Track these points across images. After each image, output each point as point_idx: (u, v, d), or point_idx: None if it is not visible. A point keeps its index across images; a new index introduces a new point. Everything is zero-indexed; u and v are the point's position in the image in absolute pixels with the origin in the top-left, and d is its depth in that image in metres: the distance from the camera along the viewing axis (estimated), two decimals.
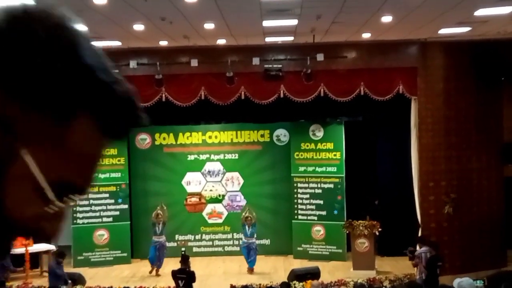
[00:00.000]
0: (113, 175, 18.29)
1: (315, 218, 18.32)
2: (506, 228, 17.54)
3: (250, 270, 17.16)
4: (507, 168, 17.55)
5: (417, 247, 15.80)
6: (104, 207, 18.29)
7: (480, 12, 12.54)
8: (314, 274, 15.45)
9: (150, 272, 17.20)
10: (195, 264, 15.94)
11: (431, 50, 17.28)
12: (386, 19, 13.14)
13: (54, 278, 14.69)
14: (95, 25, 13.19)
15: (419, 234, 17.18)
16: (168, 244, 17.76)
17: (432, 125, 17.30)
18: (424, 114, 17.25)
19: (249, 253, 17.22)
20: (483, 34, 15.73)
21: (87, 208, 18.12)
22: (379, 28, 14.49)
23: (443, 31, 15.21)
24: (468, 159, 17.41)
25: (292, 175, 18.53)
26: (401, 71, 17.09)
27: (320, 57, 16.85)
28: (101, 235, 18.19)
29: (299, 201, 18.49)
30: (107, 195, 18.26)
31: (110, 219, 18.32)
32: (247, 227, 17.25)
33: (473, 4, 11.79)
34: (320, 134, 18.31)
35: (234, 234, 18.88)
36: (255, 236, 17.38)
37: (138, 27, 13.33)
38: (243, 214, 17.63)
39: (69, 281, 14.78)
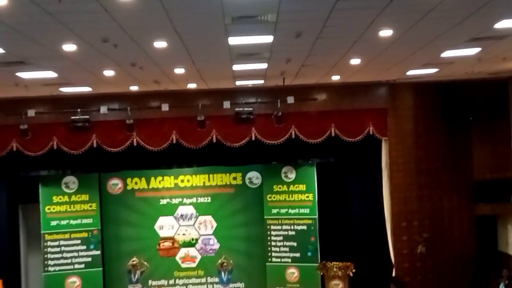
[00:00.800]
0: (84, 221, 18.13)
1: (289, 260, 18.26)
2: (478, 267, 17.59)
3: None
4: (478, 206, 17.67)
5: None
6: (76, 254, 18.08)
7: (447, 54, 12.73)
8: None
9: None
10: None
11: (400, 91, 17.48)
12: (355, 61, 13.28)
13: None
14: (65, 71, 13.18)
15: (393, 274, 17.19)
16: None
17: (403, 165, 17.42)
18: (394, 155, 17.37)
19: None
20: (451, 75, 15.95)
21: (58, 255, 17.91)
22: (348, 70, 14.64)
23: (411, 72, 15.40)
24: (440, 199, 17.51)
25: (265, 217, 18.51)
26: (371, 112, 17.23)
27: (290, 99, 16.96)
28: (73, 282, 17.96)
29: (273, 243, 18.43)
30: (78, 241, 18.07)
31: (82, 265, 18.09)
32: (223, 274, 17.11)
33: (439, 46, 11.96)
34: (292, 176, 18.35)
35: (208, 278, 18.73)
36: (230, 282, 17.25)
37: (108, 72, 13.33)
38: (219, 260, 17.49)
39: None
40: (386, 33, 10.37)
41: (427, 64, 14.20)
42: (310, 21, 9.50)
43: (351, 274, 16.79)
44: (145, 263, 17.47)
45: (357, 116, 17.18)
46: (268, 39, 10.59)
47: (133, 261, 17.13)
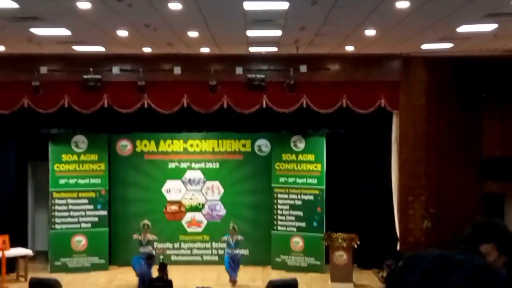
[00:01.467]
0: (92, 181, 18.21)
1: (294, 229, 18.31)
2: None
3: (234, 282, 16.97)
4: (486, 184, 17.64)
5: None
6: (83, 213, 18.18)
7: (463, 29, 12.63)
8: (292, 285, 15.39)
9: None
10: (173, 273, 15.90)
11: (414, 65, 17.38)
12: (370, 32, 13.19)
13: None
14: (79, 30, 13.15)
15: (398, 248, 17.24)
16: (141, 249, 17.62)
17: (413, 139, 17.39)
18: (405, 129, 17.33)
19: (232, 264, 16.97)
20: (466, 50, 15.83)
21: (66, 214, 18.01)
22: (363, 42, 14.55)
23: (426, 46, 15.29)
24: (448, 175, 17.49)
25: (272, 185, 18.52)
26: (384, 85, 17.17)
27: (303, 68, 16.91)
28: (79, 241, 18.07)
29: (279, 212, 18.47)
30: (86, 200, 18.16)
31: (89, 225, 18.20)
32: (231, 238, 17.09)
33: (456, 21, 11.86)
34: (301, 145, 18.32)
35: (213, 243, 18.83)
36: (238, 247, 17.25)
37: (122, 33, 13.30)
38: (231, 224, 17.47)
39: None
40: (403, 4, 10.29)
41: (442, 39, 14.10)
42: None
43: (356, 246, 16.81)
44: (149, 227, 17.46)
45: (369, 88, 17.13)
46: (284, 5, 10.53)
47: (144, 224, 17.10)
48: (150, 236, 17.03)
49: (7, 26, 12.30)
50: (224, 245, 17.66)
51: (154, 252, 16.93)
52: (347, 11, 11.04)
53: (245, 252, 18.46)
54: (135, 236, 16.99)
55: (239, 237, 17.13)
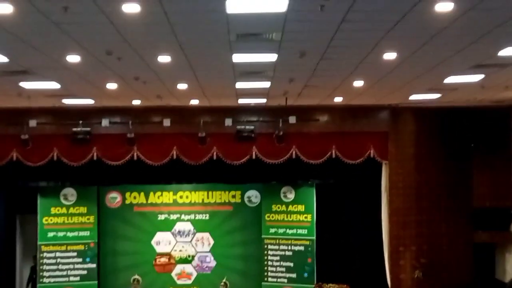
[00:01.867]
0: (81, 233, 18.06)
1: (285, 280, 18.17)
2: None
3: None
4: (477, 234, 17.60)
5: None
6: (72, 266, 17.98)
7: (450, 79, 12.77)
8: None
9: None
10: None
11: (402, 115, 17.45)
12: (358, 83, 13.32)
13: None
14: (68, 83, 13.22)
15: None
16: None
17: (403, 189, 17.35)
18: (395, 179, 17.31)
19: None
20: (453, 101, 15.97)
21: (54, 267, 17.81)
22: (351, 93, 14.67)
23: (414, 97, 15.44)
24: (438, 224, 17.44)
25: (263, 236, 18.43)
26: (372, 135, 17.20)
27: (292, 119, 16.94)
28: None
29: (270, 263, 18.34)
30: (75, 253, 17.98)
31: (77, 278, 17.98)
32: None
33: (443, 72, 11.99)
34: (291, 196, 18.29)
35: None
36: None
37: (112, 85, 13.38)
38: (223, 281, 17.37)
39: None
40: (390, 56, 10.41)
41: (430, 89, 14.25)
42: (314, 41, 9.54)
43: None
44: (140, 280, 17.38)
45: (358, 139, 17.14)
46: (272, 57, 10.63)
47: (135, 279, 17.03)
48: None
49: None
50: None
51: None
52: (335, 63, 11.16)
53: None
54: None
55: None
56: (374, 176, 17.39)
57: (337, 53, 10.29)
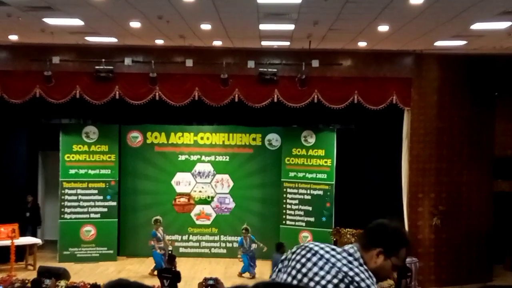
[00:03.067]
0: (103, 171, 18.26)
1: (303, 224, 18.31)
2: (493, 243, 17.57)
3: (253, 276, 17.03)
4: (496, 183, 17.59)
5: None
6: (93, 203, 18.24)
7: (477, 26, 12.56)
8: None
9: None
10: (181, 265, 15.92)
11: (426, 62, 17.31)
12: (383, 28, 13.13)
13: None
14: (93, 20, 13.17)
15: None
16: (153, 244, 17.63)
17: (424, 136, 17.32)
18: (416, 126, 17.27)
19: (251, 260, 17.08)
20: (479, 48, 15.76)
21: (75, 204, 18.07)
22: (375, 37, 14.50)
23: (439, 43, 15.22)
24: (459, 172, 17.43)
25: (282, 180, 18.53)
26: (396, 81, 17.11)
27: (315, 63, 16.86)
28: (88, 231, 18.14)
29: (288, 206, 18.48)
30: (96, 191, 18.21)
31: (98, 215, 18.26)
32: (243, 239, 17.19)
33: (470, 18, 11.80)
34: (312, 140, 18.31)
35: (221, 236, 18.87)
36: (254, 242, 17.25)
37: (135, 24, 13.30)
38: (245, 225, 17.53)
39: None
40: (417, 0, 10.24)
41: (456, 36, 14.03)
42: None
43: None
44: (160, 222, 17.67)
45: (381, 85, 17.07)
46: None
47: (157, 219, 17.29)
48: (162, 231, 17.18)
49: (20, 15, 12.33)
50: (234, 238, 17.74)
51: (171, 250, 16.92)
52: (361, 6, 11.00)
53: (254, 246, 18.44)
54: (152, 243, 17.12)
55: (253, 246, 17.16)
56: (395, 122, 17.35)
57: None
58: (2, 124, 17.48)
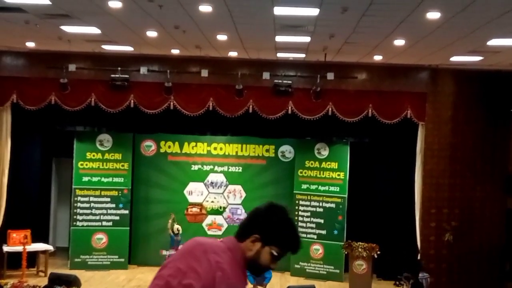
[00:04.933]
0: (116, 179, 18.28)
1: (315, 236, 18.26)
2: (505, 259, 17.47)
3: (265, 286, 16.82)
4: (510, 199, 17.50)
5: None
6: (105, 211, 18.26)
7: (493, 42, 12.54)
8: None
9: None
10: None
11: (442, 76, 17.29)
12: (399, 42, 13.13)
13: None
14: (109, 29, 13.24)
15: (418, 259, 17.13)
16: (166, 253, 17.62)
17: (438, 151, 17.28)
18: (430, 140, 17.23)
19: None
20: (495, 64, 15.72)
21: (88, 211, 18.10)
22: (391, 51, 14.50)
23: (455, 58, 15.20)
24: (472, 188, 17.37)
25: (294, 192, 18.50)
26: (410, 95, 17.10)
27: (330, 76, 16.87)
28: (100, 239, 18.16)
29: (300, 218, 18.43)
30: (108, 199, 18.24)
31: (110, 223, 18.28)
32: None
33: (486, 34, 11.78)
34: (325, 153, 18.28)
35: None
36: None
37: (151, 33, 13.36)
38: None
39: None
40: (434, 15, 10.24)
41: (472, 51, 14.00)
42: None
43: (376, 256, 16.75)
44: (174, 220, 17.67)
45: (396, 99, 17.06)
46: (314, 12, 10.52)
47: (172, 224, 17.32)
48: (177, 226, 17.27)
49: (38, 23, 12.40)
50: None
51: None
52: (378, 20, 11.00)
53: None
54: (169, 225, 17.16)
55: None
56: (409, 137, 17.32)
57: (380, 10, 10.14)
58: (17, 130, 17.55)
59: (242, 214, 18.89)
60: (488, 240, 17.42)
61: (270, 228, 3.33)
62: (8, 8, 11.10)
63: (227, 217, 18.99)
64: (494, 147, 17.41)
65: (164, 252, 17.44)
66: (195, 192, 18.94)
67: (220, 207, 19.01)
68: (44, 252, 17.36)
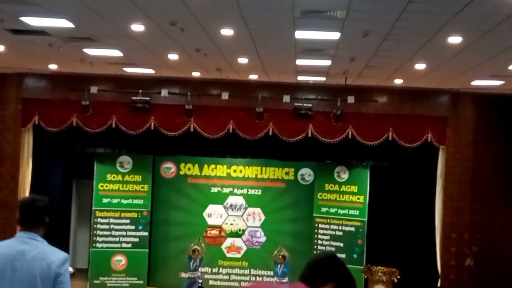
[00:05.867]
0: (135, 201, 18.33)
1: None
2: None
3: None
4: None
5: None
6: (124, 233, 18.29)
7: None
8: None
9: None
10: None
11: (463, 100, 17.25)
12: (420, 66, 13.14)
13: None
14: (131, 52, 13.36)
15: (438, 285, 17.01)
16: (185, 275, 17.55)
17: (458, 175, 17.20)
18: (451, 164, 17.16)
19: None
20: None
21: (107, 233, 18.12)
22: (412, 75, 14.50)
23: (476, 82, 15.18)
24: (493, 213, 17.25)
25: (314, 215, 18.45)
26: (431, 119, 17.05)
27: (350, 99, 16.87)
28: (119, 261, 18.18)
29: (319, 242, 18.37)
30: (128, 221, 18.27)
31: (129, 245, 18.30)
32: (279, 266, 16.65)
33: (507, 58, 11.77)
34: (345, 176, 18.25)
35: (252, 270, 18.79)
36: (286, 275, 16.81)
37: (173, 56, 13.46)
38: (275, 252, 17.28)
39: None
40: (455, 39, 10.25)
41: (493, 76, 13.99)
42: (379, 21, 9.44)
43: (396, 280, 16.64)
44: (203, 244, 17.38)
45: (416, 122, 17.02)
46: (335, 36, 10.56)
47: (194, 247, 17.04)
48: (200, 255, 16.94)
49: (61, 45, 12.53)
50: (264, 272, 17.50)
51: (201, 282, 16.75)
52: (399, 44, 11.02)
53: (284, 280, 18.33)
54: (191, 249, 16.90)
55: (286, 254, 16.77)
56: (429, 160, 17.26)
57: (401, 34, 10.16)
58: (39, 151, 17.67)
59: (261, 237, 18.86)
60: (509, 265, 17.25)
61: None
62: (32, 31, 11.23)
63: (246, 239, 18.95)
64: None
65: (183, 275, 17.38)
66: (214, 214, 18.94)
67: (239, 230, 18.99)
68: None
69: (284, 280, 16.43)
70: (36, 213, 4.57)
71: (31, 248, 4.47)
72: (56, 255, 4.40)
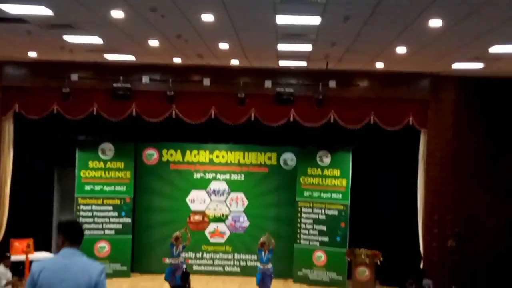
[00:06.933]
0: (118, 188, 18.30)
1: (317, 243, 18.26)
2: (509, 266, 17.43)
3: None
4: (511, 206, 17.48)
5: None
6: (107, 220, 18.27)
7: (495, 49, 12.55)
8: None
9: None
10: (195, 282, 15.88)
11: (444, 84, 17.31)
12: (401, 50, 13.14)
13: None
14: (111, 38, 13.25)
15: (421, 266, 17.14)
16: (168, 261, 17.51)
17: (440, 158, 17.30)
18: (432, 147, 17.25)
19: (264, 280, 16.08)
20: (497, 71, 15.73)
21: (90, 220, 18.09)
22: (393, 59, 14.50)
23: (456, 65, 15.21)
24: (474, 195, 17.36)
25: (297, 199, 18.50)
26: (412, 103, 17.13)
27: (332, 84, 16.91)
28: (102, 247, 18.16)
29: (302, 225, 18.43)
30: (110, 207, 18.25)
31: (112, 232, 18.29)
32: (263, 253, 16.49)
33: (488, 41, 11.80)
34: (327, 160, 18.29)
35: (235, 254, 18.83)
36: (270, 262, 16.50)
37: (153, 43, 13.38)
38: (261, 238, 17.10)
39: None
40: (435, 23, 10.25)
41: (474, 58, 14.01)
42: (359, 5, 9.42)
43: (379, 263, 16.75)
44: (189, 235, 17.22)
45: (397, 106, 17.10)
46: (316, 20, 10.54)
47: (177, 234, 16.87)
48: (184, 241, 16.77)
49: (40, 33, 12.41)
50: (248, 257, 17.58)
51: (185, 267, 16.64)
52: (379, 28, 11.02)
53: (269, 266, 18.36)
54: (176, 234, 16.70)
55: (272, 240, 16.56)
56: (411, 143, 17.34)
57: (382, 18, 10.15)
58: (20, 139, 17.58)
59: (244, 222, 18.91)
60: (491, 247, 17.39)
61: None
62: (11, 19, 11.12)
63: (230, 224, 18.99)
64: (496, 154, 17.40)
65: (167, 260, 17.37)
66: (197, 200, 18.95)
67: (223, 215, 19.01)
68: None
69: (267, 267, 16.13)
70: (81, 233, 5.57)
71: (75, 262, 5.30)
72: (96, 267, 5.31)
